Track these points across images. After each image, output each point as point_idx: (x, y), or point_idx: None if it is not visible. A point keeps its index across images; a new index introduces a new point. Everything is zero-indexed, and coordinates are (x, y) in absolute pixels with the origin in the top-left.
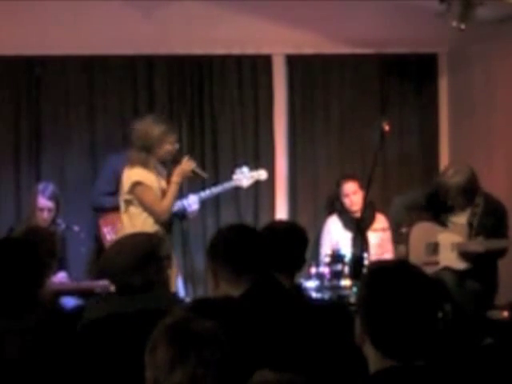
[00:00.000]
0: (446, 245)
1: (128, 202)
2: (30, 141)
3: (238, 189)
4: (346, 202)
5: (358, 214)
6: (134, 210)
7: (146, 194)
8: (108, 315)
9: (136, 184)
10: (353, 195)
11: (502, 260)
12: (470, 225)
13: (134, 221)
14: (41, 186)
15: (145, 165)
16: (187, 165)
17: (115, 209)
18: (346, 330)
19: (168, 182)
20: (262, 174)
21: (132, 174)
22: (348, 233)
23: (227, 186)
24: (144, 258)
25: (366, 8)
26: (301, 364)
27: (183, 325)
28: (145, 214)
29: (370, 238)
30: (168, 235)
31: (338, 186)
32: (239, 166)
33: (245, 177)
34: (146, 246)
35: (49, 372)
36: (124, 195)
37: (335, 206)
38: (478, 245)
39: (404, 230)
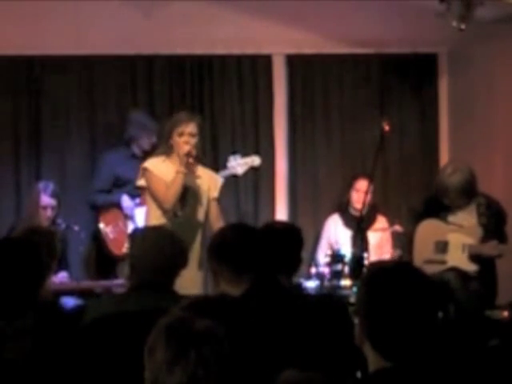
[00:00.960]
0: (457, 245)
1: (142, 190)
2: (30, 140)
3: (238, 188)
4: (354, 196)
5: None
6: (148, 198)
7: (151, 181)
8: (111, 314)
9: (143, 170)
10: (363, 193)
11: (502, 260)
12: (483, 226)
13: (148, 209)
14: (42, 185)
15: (167, 154)
16: (181, 150)
17: (109, 206)
18: (346, 329)
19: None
20: (255, 160)
21: (145, 161)
22: (348, 231)
23: (222, 174)
24: (174, 255)
25: (365, 8)
26: (301, 363)
27: (182, 324)
28: (154, 205)
29: (370, 238)
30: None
31: (352, 178)
32: (232, 154)
33: (238, 164)
34: (176, 243)
35: (49, 372)
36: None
37: (342, 205)
38: (493, 249)
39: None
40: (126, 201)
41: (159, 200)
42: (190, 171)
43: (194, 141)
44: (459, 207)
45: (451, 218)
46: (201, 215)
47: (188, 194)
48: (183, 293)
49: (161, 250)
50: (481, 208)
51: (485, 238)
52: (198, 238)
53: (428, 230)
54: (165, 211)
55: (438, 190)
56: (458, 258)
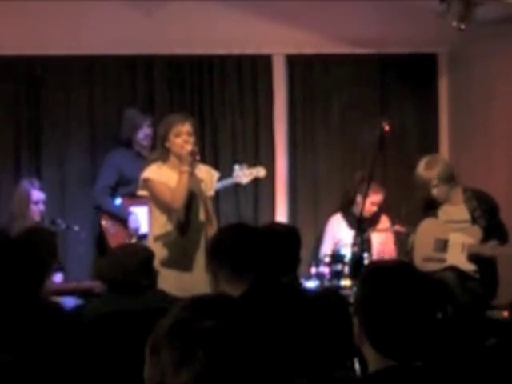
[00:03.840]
0: (457, 244)
1: (146, 199)
2: (30, 140)
3: (237, 189)
4: (368, 207)
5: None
6: (152, 207)
7: (154, 188)
8: (107, 314)
9: (144, 181)
10: (377, 206)
11: (502, 260)
12: (479, 220)
13: (151, 218)
14: (27, 182)
15: (162, 160)
16: (182, 149)
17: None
18: (346, 326)
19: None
20: (260, 171)
21: (144, 171)
22: (352, 231)
23: (226, 182)
24: (147, 259)
25: (366, 8)
26: (301, 362)
27: (187, 324)
28: (157, 212)
29: (372, 239)
30: (183, 237)
31: (369, 190)
32: (238, 163)
33: (244, 174)
34: (145, 249)
35: (49, 372)
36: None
37: (345, 203)
38: (492, 249)
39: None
40: (133, 221)
41: (167, 203)
42: (193, 170)
43: (192, 139)
44: (443, 198)
45: (443, 217)
46: (202, 216)
47: (191, 197)
48: (194, 294)
49: (123, 255)
50: (472, 203)
51: (485, 236)
52: (203, 239)
53: (429, 229)
54: (173, 212)
55: (419, 185)
56: (457, 257)
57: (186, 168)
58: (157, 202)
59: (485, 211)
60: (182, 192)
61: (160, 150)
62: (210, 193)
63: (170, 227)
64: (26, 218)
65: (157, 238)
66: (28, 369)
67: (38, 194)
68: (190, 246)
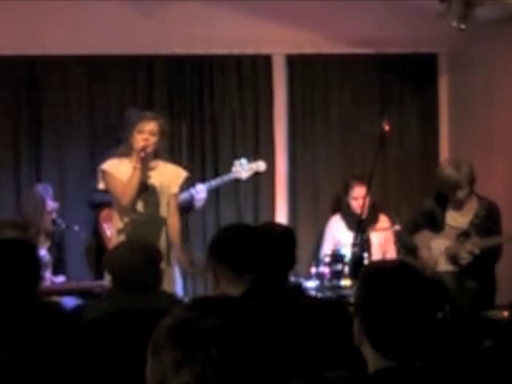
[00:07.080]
0: (437, 250)
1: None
2: (30, 141)
3: (237, 188)
4: (353, 204)
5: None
6: (113, 199)
7: (108, 181)
8: (110, 313)
9: (101, 172)
10: (362, 199)
11: (502, 260)
12: (474, 226)
13: (114, 210)
14: (42, 189)
15: (125, 154)
16: (135, 142)
17: (107, 204)
18: (346, 330)
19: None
20: (260, 166)
21: (103, 164)
22: (352, 233)
23: (226, 178)
24: (154, 258)
25: (366, 8)
26: (301, 364)
27: (188, 324)
28: (117, 205)
29: (372, 238)
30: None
31: (347, 186)
32: (238, 158)
33: (243, 169)
34: (153, 248)
35: (49, 372)
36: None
37: (342, 206)
38: (474, 246)
39: None
40: None
41: (117, 197)
42: (145, 167)
43: (153, 139)
44: (460, 202)
45: (451, 222)
46: (164, 212)
47: (149, 192)
48: None
49: (131, 252)
50: (481, 211)
51: (476, 234)
52: (163, 236)
53: (418, 242)
54: (124, 209)
55: (448, 185)
56: (440, 263)
57: (137, 164)
58: (112, 195)
59: (486, 225)
60: (131, 187)
61: (125, 144)
62: (174, 191)
63: (126, 220)
64: (39, 226)
65: (119, 231)
66: (27, 369)
67: (52, 205)
68: (148, 240)
